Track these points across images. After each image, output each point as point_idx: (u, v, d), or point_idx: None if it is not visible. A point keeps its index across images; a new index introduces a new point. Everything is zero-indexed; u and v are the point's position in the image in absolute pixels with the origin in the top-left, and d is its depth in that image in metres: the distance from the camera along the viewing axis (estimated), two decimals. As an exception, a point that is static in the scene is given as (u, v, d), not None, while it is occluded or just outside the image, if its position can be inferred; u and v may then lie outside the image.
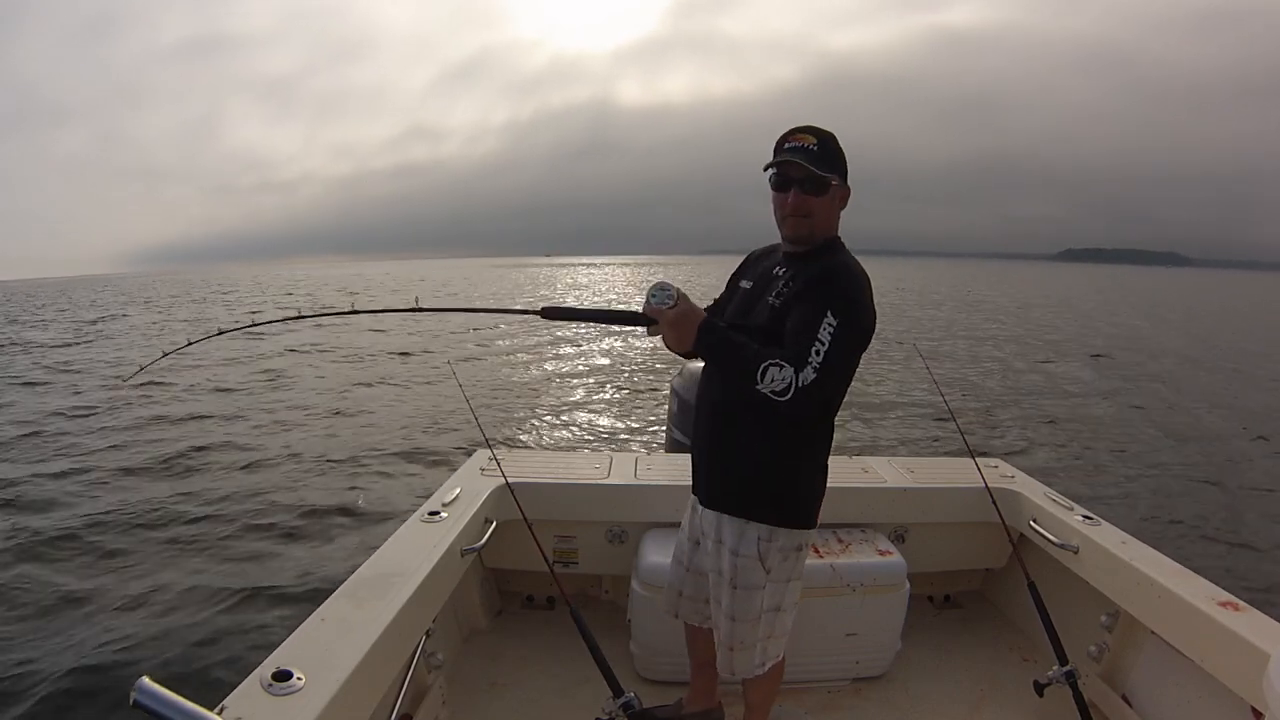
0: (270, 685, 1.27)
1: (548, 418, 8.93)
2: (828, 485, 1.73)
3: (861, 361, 1.59)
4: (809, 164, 1.54)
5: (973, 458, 2.60)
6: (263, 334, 16.08)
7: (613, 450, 7.39)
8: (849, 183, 1.64)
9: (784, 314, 1.55)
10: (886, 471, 2.78)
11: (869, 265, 1.60)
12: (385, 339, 16.64)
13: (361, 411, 9.10)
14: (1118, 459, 7.57)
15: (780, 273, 1.64)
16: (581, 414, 9.20)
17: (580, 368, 12.94)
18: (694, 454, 1.83)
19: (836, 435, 1.71)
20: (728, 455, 1.71)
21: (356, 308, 1.83)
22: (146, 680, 0.94)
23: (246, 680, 1.29)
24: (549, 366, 13.12)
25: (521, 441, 7.70)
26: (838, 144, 1.59)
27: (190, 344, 1.90)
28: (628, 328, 1.67)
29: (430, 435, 7.88)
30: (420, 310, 1.74)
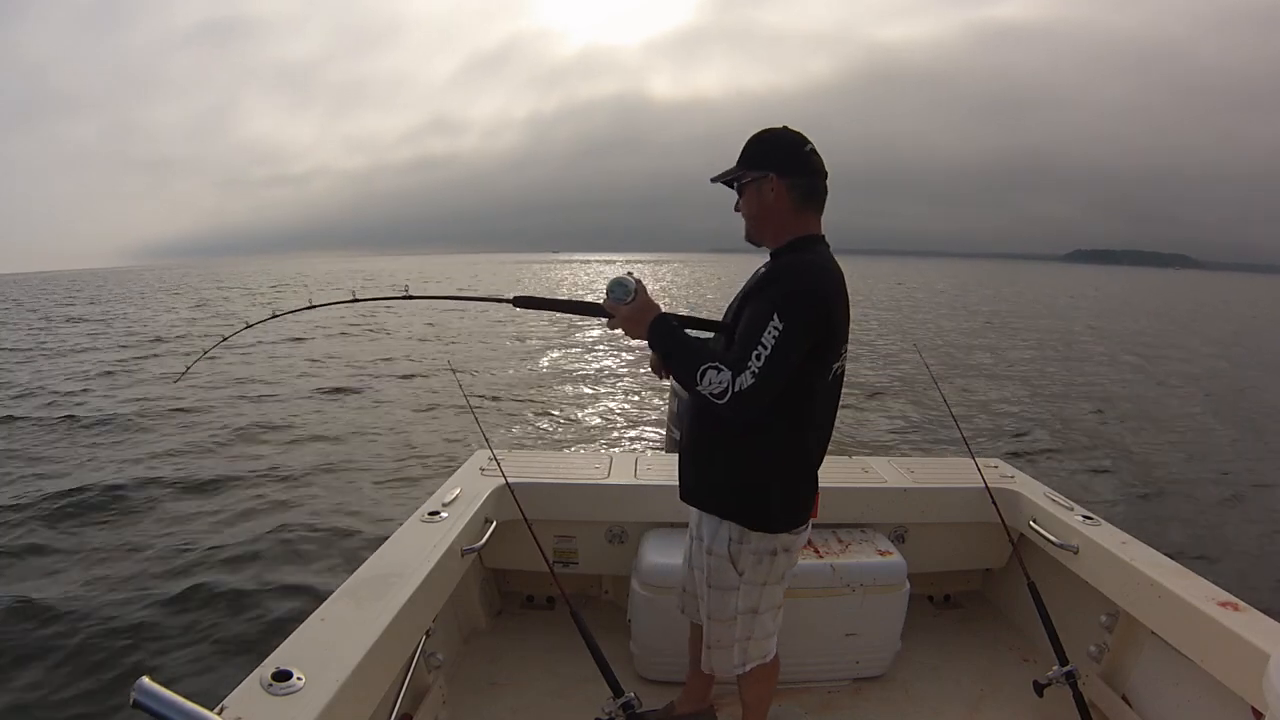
0: (270, 685, 1.28)
1: (548, 417, 8.92)
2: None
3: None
4: (718, 180, 1.64)
5: (973, 458, 2.60)
6: (262, 334, 16.07)
7: (613, 450, 7.39)
8: (789, 167, 1.56)
9: (741, 312, 1.56)
10: (886, 471, 2.78)
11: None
12: (384, 337, 16.64)
13: (360, 411, 9.10)
14: (1117, 460, 7.56)
15: (759, 272, 1.66)
16: (582, 414, 9.19)
17: (581, 367, 12.93)
18: (679, 450, 1.85)
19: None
20: (700, 454, 1.72)
21: (357, 296, 1.92)
22: (146, 680, 0.94)
23: (246, 680, 1.29)
24: (549, 366, 13.11)
25: (521, 441, 7.70)
26: (760, 139, 1.59)
27: (248, 326, 1.97)
28: (591, 318, 1.69)
29: (430, 435, 7.88)
30: (411, 298, 1.83)
